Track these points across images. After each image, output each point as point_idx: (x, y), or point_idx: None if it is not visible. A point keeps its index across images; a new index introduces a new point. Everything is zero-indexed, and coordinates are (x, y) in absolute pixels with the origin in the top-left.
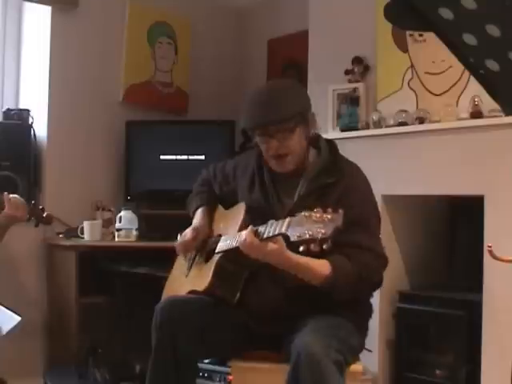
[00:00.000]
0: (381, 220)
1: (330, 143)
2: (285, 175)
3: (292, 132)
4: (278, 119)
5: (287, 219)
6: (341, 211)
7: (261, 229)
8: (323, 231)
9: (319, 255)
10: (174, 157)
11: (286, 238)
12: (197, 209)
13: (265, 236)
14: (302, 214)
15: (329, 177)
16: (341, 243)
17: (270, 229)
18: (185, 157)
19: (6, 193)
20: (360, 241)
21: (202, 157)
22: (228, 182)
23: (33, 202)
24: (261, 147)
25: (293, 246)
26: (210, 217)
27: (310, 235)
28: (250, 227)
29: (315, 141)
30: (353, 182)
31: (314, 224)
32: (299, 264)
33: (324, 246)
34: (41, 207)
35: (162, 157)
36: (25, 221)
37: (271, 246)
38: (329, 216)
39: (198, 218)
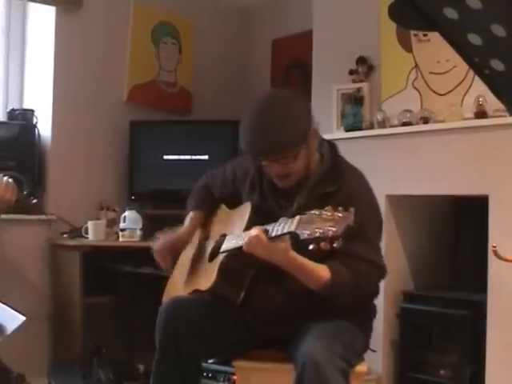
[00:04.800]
0: (382, 228)
1: (332, 146)
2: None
3: (295, 157)
4: (280, 149)
5: (297, 217)
6: (352, 209)
7: (269, 227)
8: (334, 229)
9: (325, 256)
10: (177, 157)
11: (295, 236)
12: (189, 212)
13: (273, 234)
14: (313, 212)
15: (328, 186)
16: (339, 252)
17: (278, 227)
18: (189, 157)
19: (0, 175)
20: (358, 251)
21: (206, 157)
22: (227, 184)
23: (25, 192)
24: (264, 168)
25: (302, 244)
26: (199, 221)
27: (320, 233)
28: (258, 227)
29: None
30: (353, 191)
31: (324, 222)
32: (302, 265)
33: (335, 244)
34: (31, 197)
35: (165, 157)
36: (12, 203)
37: (277, 244)
38: (340, 214)
39: (185, 224)
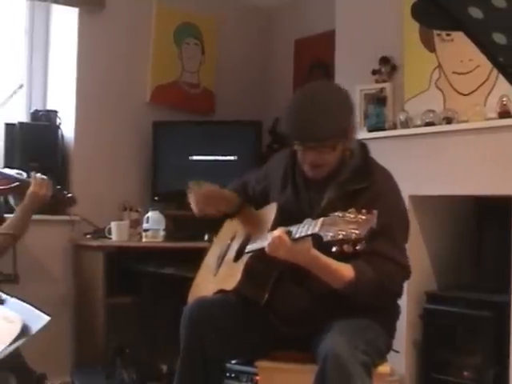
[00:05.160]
0: (409, 229)
1: (362, 146)
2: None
3: (333, 149)
4: (321, 138)
5: (320, 219)
6: (375, 211)
7: (292, 229)
8: (357, 231)
9: (349, 257)
10: (200, 157)
11: (319, 238)
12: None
13: (296, 236)
14: (336, 214)
15: (358, 183)
16: (364, 251)
17: (302, 229)
18: (211, 157)
19: (33, 172)
20: (384, 250)
21: (229, 157)
22: (259, 182)
23: (58, 186)
24: (298, 154)
25: (326, 246)
26: (238, 200)
27: (343, 235)
28: (281, 228)
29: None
30: (382, 190)
31: (347, 224)
32: (325, 264)
33: (358, 247)
34: (65, 192)
35: (188, 157)
36: (47, 199)
37: (299, 245)
38: (363, 216)
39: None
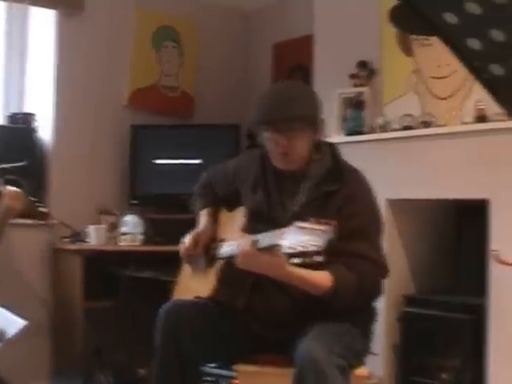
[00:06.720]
0: (383, 228)
1: (332, 147)
2: (288, 179)
3: (302, 132)
4: (290, 116)
5: (282, 230)
6: (333, 222)
7: (260, 237)
8: (316, 243)
9: (318, 266)
10: (179, 161)
11: (280, 249)
12: (200, 211)
13: (262, 246)
14: (296, 224)
15: (330, 184)
16: (341, 252)
17: (267, 238)
18: (190, 161)
19: (7, 186)
20: (360, 250)
21: (208, 160)
22: (229, 183)
23: (33, 198)
24: (267, 144)
25: (287, 257)
26: (213, 218)
27: (302, 247)
28: (248, 238)
29: (317, 144)
30: (355, 190)
31: (306, 236)
32: (299, 277)
33: (317, 259)
34: (39, 204)
35: (167, 161)
36: (20, 211)
37: (271, 258)
38: (322, 228)
39: (200, 221)
